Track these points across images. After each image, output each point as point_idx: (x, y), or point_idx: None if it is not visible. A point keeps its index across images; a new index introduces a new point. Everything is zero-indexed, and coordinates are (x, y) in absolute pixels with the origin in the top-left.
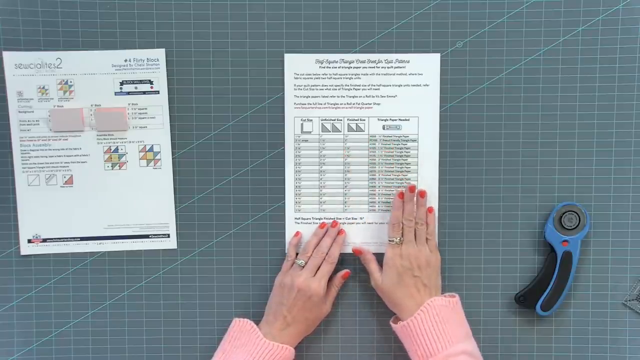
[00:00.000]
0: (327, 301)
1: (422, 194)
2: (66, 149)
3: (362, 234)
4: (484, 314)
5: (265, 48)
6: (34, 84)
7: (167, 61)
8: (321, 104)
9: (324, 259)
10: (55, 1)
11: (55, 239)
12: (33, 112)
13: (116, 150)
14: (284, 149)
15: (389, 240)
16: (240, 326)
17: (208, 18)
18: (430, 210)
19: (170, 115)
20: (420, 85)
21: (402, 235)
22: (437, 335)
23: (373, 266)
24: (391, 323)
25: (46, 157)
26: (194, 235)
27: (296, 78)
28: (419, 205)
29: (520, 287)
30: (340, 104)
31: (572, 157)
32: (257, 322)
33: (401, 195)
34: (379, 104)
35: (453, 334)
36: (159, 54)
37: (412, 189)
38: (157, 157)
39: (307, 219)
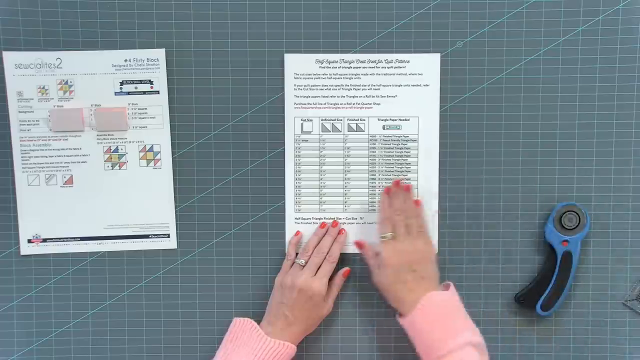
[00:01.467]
0: (328, 300)
1: (407, 188)
2: (66, 149)
3: (362, 234)
4: (484, 314)
5: (265, 48)
6: (34, 84)
7: (167, 61)
8: (321, 104)
9: (325, 258)
10: (55, 1)
11: (55, 239)
12: (33, 112)
13: (116, 150)
14: (284, 149)
15: (381, 237)
16: (242, 325)
17: (208, 18)
18: (417, 203)
19: (170, 115)
20: (420, 85)
21: (394, 230)
22: (440, 328)
23: (372, 262)
24: (397, 318)
25: (46, 157)
26: (194, 235)
27: (296, 78)
28: (407, 199)
29: (520, 287)
30: (340, 104)
31: (572, 157)
32: (257, 322)
33: (387, 190)
34: (379, 104)
35: (455, 327)
36: (159, 54)
37: (397, 183)
38: (157, 157)
39: (307, 218)
